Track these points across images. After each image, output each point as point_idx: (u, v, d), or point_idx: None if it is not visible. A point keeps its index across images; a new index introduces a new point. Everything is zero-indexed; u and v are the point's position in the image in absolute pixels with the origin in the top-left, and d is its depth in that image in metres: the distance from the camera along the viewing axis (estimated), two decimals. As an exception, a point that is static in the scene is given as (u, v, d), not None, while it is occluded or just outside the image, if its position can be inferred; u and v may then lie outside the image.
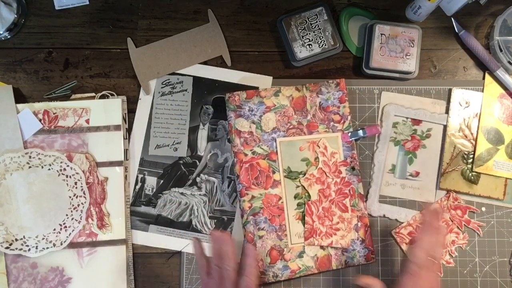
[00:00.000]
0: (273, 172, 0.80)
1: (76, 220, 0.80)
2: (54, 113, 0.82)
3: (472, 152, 0.83)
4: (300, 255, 0.79)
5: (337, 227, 0.79)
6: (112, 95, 0.84)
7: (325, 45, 0.83)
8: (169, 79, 0.85)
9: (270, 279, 0.78)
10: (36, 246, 0.79)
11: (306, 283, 0.82)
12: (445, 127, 0.84)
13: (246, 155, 0.80)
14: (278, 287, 0.81)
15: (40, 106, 0.82)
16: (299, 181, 0.80)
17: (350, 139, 0.82)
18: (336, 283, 0.82)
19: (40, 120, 0.82)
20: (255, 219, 0.79)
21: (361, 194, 0.81)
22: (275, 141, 0.81)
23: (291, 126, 0.81)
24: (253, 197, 0.80)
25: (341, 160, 0.81)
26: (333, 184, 0.80)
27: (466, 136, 0.84)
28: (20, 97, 0.84)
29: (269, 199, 0.80)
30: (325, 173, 0.80)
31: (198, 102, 0.85)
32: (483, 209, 0.83)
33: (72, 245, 0.80)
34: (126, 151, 0.83)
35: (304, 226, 0.79)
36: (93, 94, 0.84)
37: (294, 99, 0.82)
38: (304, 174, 0.80)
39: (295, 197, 0.80)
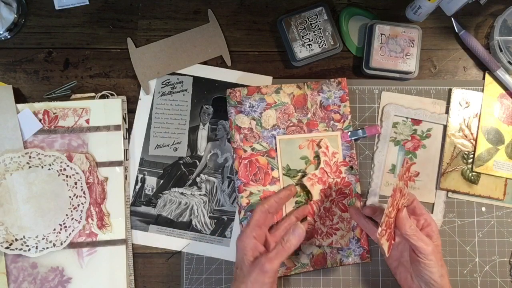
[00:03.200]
0: (272, 169, 0.80)
1: (76, 220, 0.80)
2: (54, 113, 0.82)
3: (472, 152, 0.83)
4: (296, 252, 0.79)
5: (337, 227, 0.80)
6: (112, 95, 0.84)
7: (325, 45, 0.83)
8: (169, 79, 0.85)
9: None
10: (36, 246, 0.79)
11: (306, 282, 0.82)
12: (445, 127, 0.84)
13: (245, 151, 0.81)
14: (278, 286, 0.81)
15: (40, 106, 0.82)
16: (299, 180, 0.80)
17: (350, 139, 0.82)
18: (335, 283, 0.82)
19: (40, 120, 0.82)
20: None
21: (358, 194, 0.81)
22: (275, 138, 0.81)
23: (291, 124, 0.81)
24: (251, 193, 0.80)
25: (341, 160, 0.81)
26: (334, 184, 0.80)
27: (466, 136, 0.84)
28: (20, 97, 0.84)
29: (267, 196, 0.80)
30: (327, 173, 0.80)
31: (198, 102, 0.85)
32: (483, 209, 0.83)
33: (72, 245, 0.80)
34: (126, 151, 0.83)
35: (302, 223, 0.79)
36: (93, 94, 0.84)
37: (295, 97, 0.82)
38: (304, 172, 0.80)
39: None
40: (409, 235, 0.69)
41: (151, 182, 0.83)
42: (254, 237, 0.69)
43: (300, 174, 0.81)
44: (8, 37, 0.85)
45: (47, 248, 0.79)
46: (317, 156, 0.81)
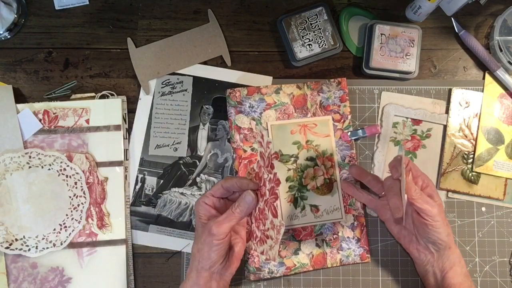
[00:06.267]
0: None
1: (76, 220, 0.80)
2: (54, 113, 0.82)
3: (472, 152, 0.83)
4: (296, 252, 0.80)
5: (267, 234, 0.70)
6: (112, 95, 0.84)
7: (325, 45, 0.83)
8: (169, 79, 0.85)
9: (265, 275, 0.78)
10: (36, 246, 0.79)
11: (306, 282, 0.82)
12: (445, 127, 0.84)
13: (245, 151, 0.81)
14: (278, 286, 0.81)
15: (40, 106, 0.82)
16: (291, 164, 0.80)
17: (350, 139, 0.82)
18: (335, 283, 0.82)
19: (40, 120, 0.82)
20: None
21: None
22: (267, 125, 0.81)
23: (291, 125, 0.82)
24: None
25: (273, 152, 0.67)
26: (268, 181, 0.68)
27: (466, 136, 0.84)
28: (20, 97, 0.84)
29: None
30: (262, 167, 0.70)
31: (198, 102, 0.85)
32: (483, 209, 0.83)
33: (72, 245, 0.80)
34: (126, 151, 0.83)
35: (296, 208, 0.79)
36: (93, 94, 0.84)
37: (294, 97, 0.82)
38: (296, 157, 0.80)
39: (286, 180, 0.80)
40: (415, 199, 0.69)
41: (151, 182, 0.84)
42: (205, 203, 0.71)
43: (292, 159, 0.81)
44: (8, 37, 0.85)
45: (47, 248, 0.79)
46: (309, 141, 0.80)
